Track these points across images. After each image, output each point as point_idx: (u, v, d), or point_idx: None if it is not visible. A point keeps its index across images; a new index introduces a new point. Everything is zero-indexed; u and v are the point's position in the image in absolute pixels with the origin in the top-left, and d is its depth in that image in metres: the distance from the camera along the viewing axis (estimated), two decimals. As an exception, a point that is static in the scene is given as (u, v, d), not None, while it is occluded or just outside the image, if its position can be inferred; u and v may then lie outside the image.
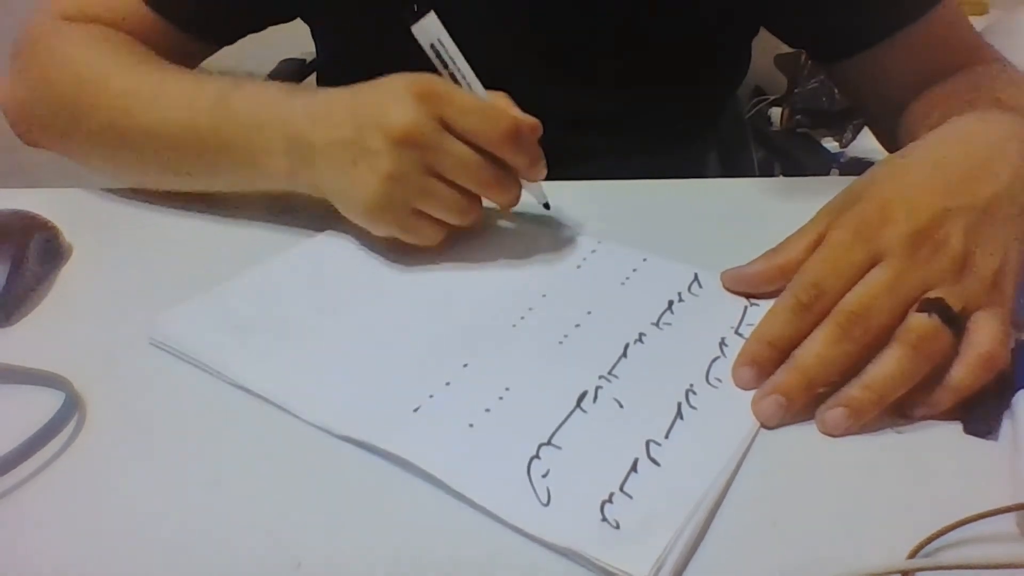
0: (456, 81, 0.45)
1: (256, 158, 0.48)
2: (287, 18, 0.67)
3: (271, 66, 0.97)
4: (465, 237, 0.51)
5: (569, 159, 0.58)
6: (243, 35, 0.66)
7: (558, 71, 0.64)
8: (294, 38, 0.71)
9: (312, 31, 0.71)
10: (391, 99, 0.43)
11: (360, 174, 0.44)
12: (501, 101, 0.46)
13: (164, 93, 0.51)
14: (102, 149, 0.54)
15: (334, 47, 0.72)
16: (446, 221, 0.46)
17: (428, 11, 0.43)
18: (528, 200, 0.55)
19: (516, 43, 0.62)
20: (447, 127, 0.43)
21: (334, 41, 0.71)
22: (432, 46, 0.44)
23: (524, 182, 0.48)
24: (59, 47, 0.56)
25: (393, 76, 0.44)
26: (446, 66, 0.45)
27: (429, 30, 0.44)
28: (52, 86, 0.55)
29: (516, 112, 0.45)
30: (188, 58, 0.61)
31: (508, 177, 0.46)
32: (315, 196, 0.49)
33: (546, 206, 0.52)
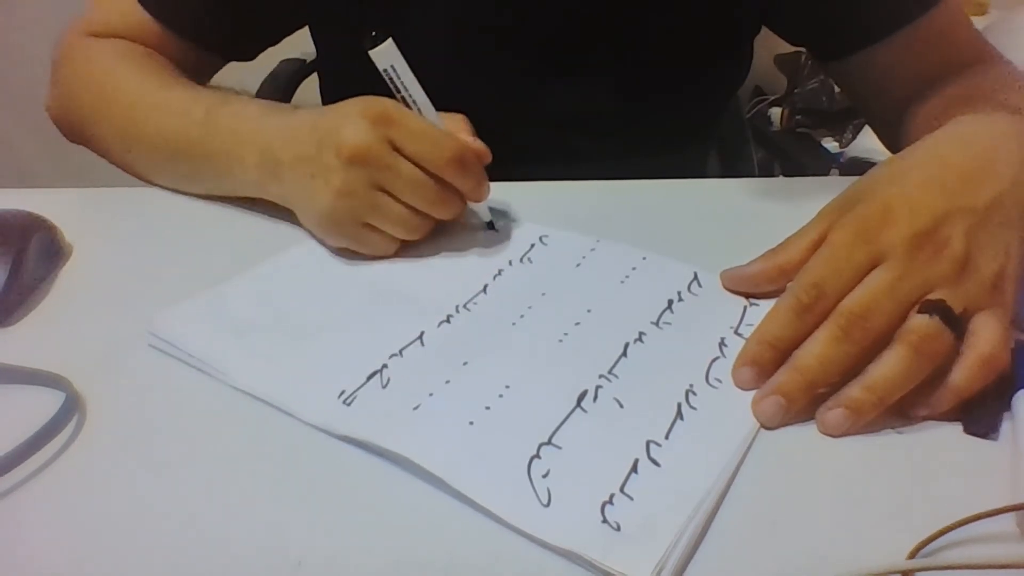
0: (408, 105, 0.47)
1: (232, 167, 0.53)
2: (298, 27, 0.70)
3: (272, 66, 0.96)
4: (464, 236, 0.51)
5: (570, 160, 0.58)
6: (262, 49, 0.70)
7: (558, 75, 0.64)
8: (294, 38, 0.71)
9: (312, 34, 0.72)
10: (346, 121, 0.46)
11: (316, 188, 0.47)
12: (454, 124, 0.48)
13: (164, 105, 0.57)
14: (115, 152, 0.61)
15: (336, 49, 0.72)
16: (394, 235, 0.48)
17: (386, 38, 0.45)
18: (525, 199, 0.55)
19: (514, 45, 0.62)
20: (397, 149, 0.46)
21: (336, 44, 0.71)
22: (386, 71, 0.46)
23: (470, 202, 0.50)
24: (83, 62, 0.63)
25: (353, 99, 0.47)
26: (399, 91, 0.47)
27: (384, 56, 0.45)
28: (77, 97, 0.63)
29: (466, 137, 0.48)
30: (201, 70, 0.66)
31: (452, 196, 0.48)
32: (282, 206, 0.52)
33: (490, 225, 0.52)
